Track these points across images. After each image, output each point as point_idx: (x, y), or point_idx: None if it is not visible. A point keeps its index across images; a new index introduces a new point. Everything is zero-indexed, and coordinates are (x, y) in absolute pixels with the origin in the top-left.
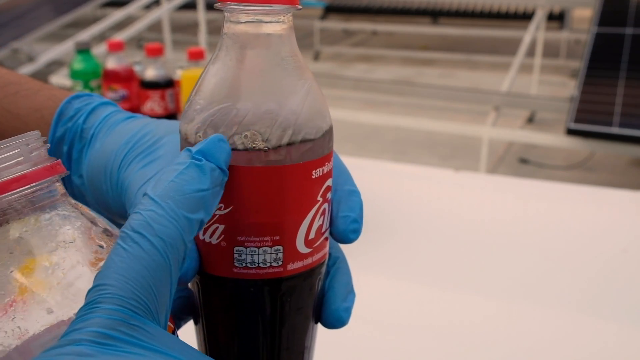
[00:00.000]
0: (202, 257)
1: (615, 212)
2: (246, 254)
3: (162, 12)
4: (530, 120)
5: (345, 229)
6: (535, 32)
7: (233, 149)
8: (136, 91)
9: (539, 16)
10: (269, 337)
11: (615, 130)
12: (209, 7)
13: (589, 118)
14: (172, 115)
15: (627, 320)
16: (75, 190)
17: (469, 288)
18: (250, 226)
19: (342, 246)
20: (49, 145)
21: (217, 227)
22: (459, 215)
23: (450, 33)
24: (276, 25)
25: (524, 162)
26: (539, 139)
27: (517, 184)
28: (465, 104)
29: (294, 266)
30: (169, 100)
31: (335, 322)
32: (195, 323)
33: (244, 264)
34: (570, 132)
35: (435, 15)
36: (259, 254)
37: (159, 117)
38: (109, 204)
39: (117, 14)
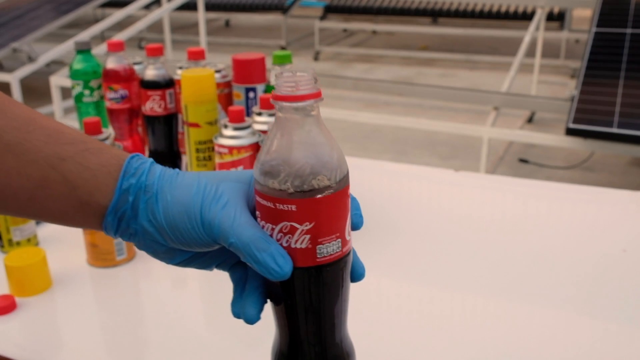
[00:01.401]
0: (292, 258)
1: (615, 212)
2: (323, 248)
3: (162, 12)
4: (530, 120)
5: (357, 221)
6: (535, 32)
7: (311, 189)
8: (136, 91)
9: (539, 16)
10: (336, 300)
11: (614, 130)
12: (209, 7)
13: (589, 118)
14: (172, 115)
15: (627, 320)
16: (139, 229)
17: (468, 287)
18: (325, 231)
19: None
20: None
21: (305, 237)
22: (459, 215)
23: (450, 33)
24: (313, 111)
25: (523, 162)
26: (538, 138)
27: (517, 184)
28: (465, 104)
29: (345, 249)
30: (169, 100)
31: (360, 277)
32: (277, 304)
33: (322, 255)
34: (570, 132)
35: (435, 15)
36: (330, 246)
37: (158, 116)
38: (193, 238)
39: (117, 14)
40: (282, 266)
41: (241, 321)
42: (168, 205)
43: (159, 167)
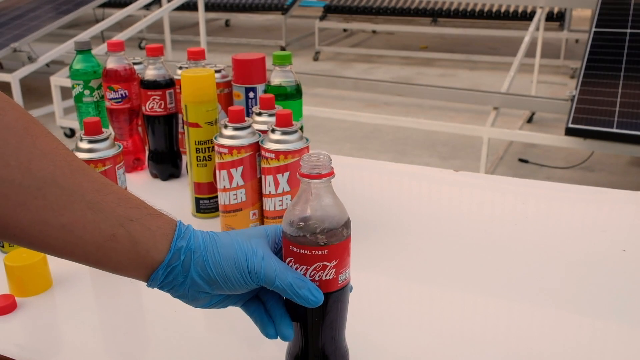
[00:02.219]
0: (324, 286)
1: (615, 212)
2: (342, 276)
3: (162, 12)
4: (530, 120)
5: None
6: (535, 32)
7: (337, 237)
8: (136, 91)
9: (539, 16)
10: (346, 310)
11: (614, 130)
12: (209, 7)
13: (588, 118)
14: (172, 115)
15: (627, 320)
16: (188, 282)
17: (468, 287)
18: (344, 264)
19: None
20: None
21: (332, 270)
22: (459, 215)
23: (450, 33)
24: (328, 181)
25: (523, 162)
26: (538, 138)
27: (517, 184)
28: (465, 104)
29: (350, 274)
30: (169, 100)
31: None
32: (297, 320)
33: (341, 281)
34: (570, 131)
35: (435, 15)
36: (345, 273)
37: (158, 116)
38: (240, 284)
39: (117, 14)
40: (317, 297)
41: (241, 321)
42: (217, 262)
43: (198, 232)
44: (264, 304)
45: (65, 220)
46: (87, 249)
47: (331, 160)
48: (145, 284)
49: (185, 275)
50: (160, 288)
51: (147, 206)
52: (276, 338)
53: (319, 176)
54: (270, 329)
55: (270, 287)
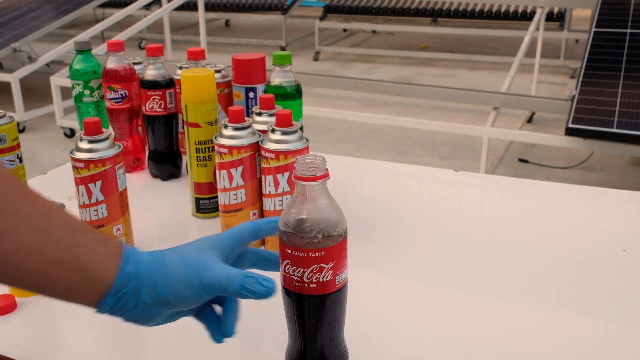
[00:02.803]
0: (321, 288)
1: (615, 212)
2: (340, 277)
3: (162, 12)
4: (530, 120)
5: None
6: (535, 32)
7: (333, 238)
8: (136, 91)
9: (539, 16)
10: (345, 310)
11: (614, 130)
12: (209, 7)
13: (588, 118)
14: (172, 115)
15: (627, 320)
16: (140, 305)
17: (467, 287)
18: (341, 265)
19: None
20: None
21: (329, 272)
22: (459, 215)
23: (450, 33)
24: (323, 183)
25: (523, 162)
26: (538, 138)
27: (517, 184)
28: (465, 104)
29: (347, 274)
30: (169, 100)
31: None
32: (295, 322)
33: (338, 282)
34: (570, 131)
35: (435, 15)
36: (343, 274)
37: (158, 116)
38: (195, 300)
39: (117, 14)
40: (268, 286)
41: (241, 321)
42: (169, 282)
43: (145, 254)
44: (221, 305)
45: (10, 246)
46: (33, 276)
47: (326, 162)
48: (94, 310)
49: (136, 300)
50: (111, 314)
51: (94, 231)
52: (222, 341)
53: (314, 178)
54: (218, 335)
55: (226, 294)
